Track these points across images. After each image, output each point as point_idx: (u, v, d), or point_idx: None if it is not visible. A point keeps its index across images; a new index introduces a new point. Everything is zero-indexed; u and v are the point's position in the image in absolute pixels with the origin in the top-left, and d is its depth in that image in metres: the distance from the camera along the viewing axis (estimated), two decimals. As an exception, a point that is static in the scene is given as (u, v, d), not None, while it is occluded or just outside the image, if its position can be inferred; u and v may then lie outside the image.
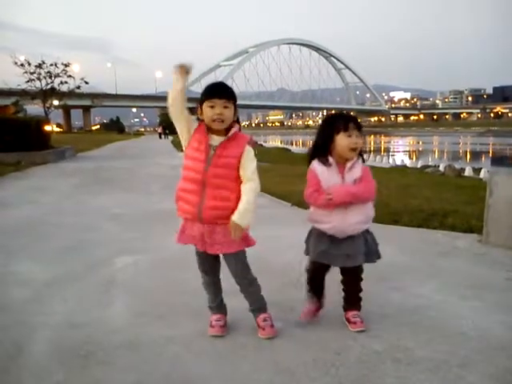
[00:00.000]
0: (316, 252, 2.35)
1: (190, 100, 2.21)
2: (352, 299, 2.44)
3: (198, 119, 2.19)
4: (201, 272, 2.38)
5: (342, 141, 2.22)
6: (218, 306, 2.41)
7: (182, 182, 2.23)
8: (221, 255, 2.30)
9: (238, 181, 2.17)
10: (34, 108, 31.80)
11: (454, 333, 2.32)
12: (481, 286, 2.98)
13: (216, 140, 2.15)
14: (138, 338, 2.31)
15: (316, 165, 2.29)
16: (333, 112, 2.43)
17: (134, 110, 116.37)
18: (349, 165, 2.25)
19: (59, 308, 2.71)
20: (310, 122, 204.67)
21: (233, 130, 2.16)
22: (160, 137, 44.46)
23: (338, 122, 2.26)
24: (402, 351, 2.14)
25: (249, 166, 2.16)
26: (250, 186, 2.15)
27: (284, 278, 3.13)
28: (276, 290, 2.92)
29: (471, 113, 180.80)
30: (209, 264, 2.33)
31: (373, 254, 2.36)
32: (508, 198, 3.78)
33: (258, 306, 2.36)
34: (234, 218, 2.11)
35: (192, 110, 2.20)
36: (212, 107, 2.10)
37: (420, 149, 42.32)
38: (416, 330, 2.37)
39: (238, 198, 2.15)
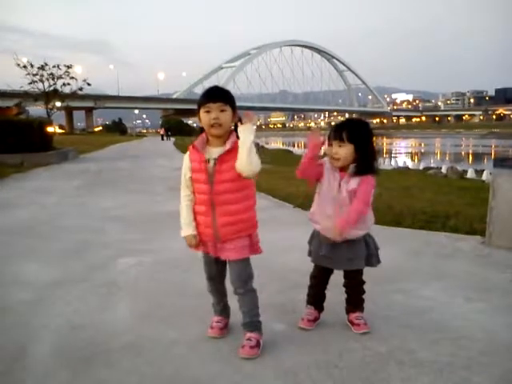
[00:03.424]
0: (317, 255, 2.39)
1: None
2: (355, 302, 2.43)
3: (201, 129, 2.13)
4: (206, 279, 2.33)
5: (326, 150, 2.28)
6: (221, 308, 2.39)
7: (195, 204, 2.19)
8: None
9: (244, 190, 2.11)
10: (36, 109, 31.85)
11: (458, 335, 2.32)
12: (485, 288, 2.97)
13: (214, 152, 2.08)
14: (142, 339, 2.31)
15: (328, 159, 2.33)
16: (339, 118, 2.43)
17: (137, 111, 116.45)
18: (345, 177, 2.24)
19: (62, 310, 2.71)
20: (312, 124, 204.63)
21: (231, 141, 2.07)
22: (162, 138, 44.54)
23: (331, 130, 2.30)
24: (406, 353, 2.14)
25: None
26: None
27: (286, 280, 3.12)
28: (278, 291, 2.93)
29: (473, 115, 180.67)
30: (216, 270, 2.28)
31: (373, 258, 2.36)
32: (511, 199, 3.77)
33: (248, 320, 2.22)
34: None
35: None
36: (208, 112, 2.04)
37: (422, 151, 42.29)
38: (420, 331, 2.36)
39: (247, 207, 2.14)
